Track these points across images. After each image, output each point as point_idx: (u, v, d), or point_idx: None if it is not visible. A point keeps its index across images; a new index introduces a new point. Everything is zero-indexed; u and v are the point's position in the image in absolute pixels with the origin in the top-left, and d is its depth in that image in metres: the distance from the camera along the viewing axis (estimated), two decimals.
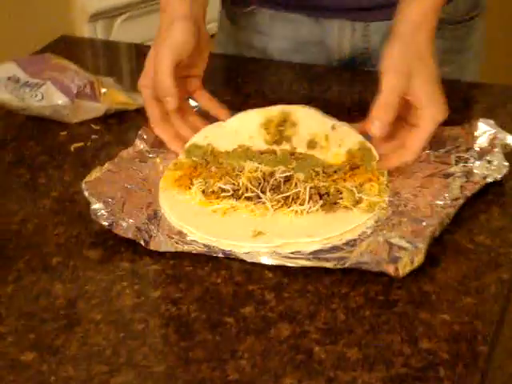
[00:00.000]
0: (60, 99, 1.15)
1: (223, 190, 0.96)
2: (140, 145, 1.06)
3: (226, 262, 0.90)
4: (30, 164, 1.09)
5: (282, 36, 1.31)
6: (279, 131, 1.05)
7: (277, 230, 0.92)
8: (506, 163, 1.01)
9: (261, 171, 0.97)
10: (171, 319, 0.84)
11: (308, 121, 1.05)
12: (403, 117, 0.99)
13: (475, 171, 1.00)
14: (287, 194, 0.95)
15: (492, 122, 1.05)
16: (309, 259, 0.88)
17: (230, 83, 1.31)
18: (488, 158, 1.01)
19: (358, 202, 0.94)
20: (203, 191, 0.97)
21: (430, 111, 0.97)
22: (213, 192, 0.96)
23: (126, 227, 0.92)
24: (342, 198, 0.95)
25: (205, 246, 0.91)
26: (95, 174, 0.98)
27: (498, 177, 1.00)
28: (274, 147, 1.04)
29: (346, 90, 1.28)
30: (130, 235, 0.91)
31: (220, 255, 0.90)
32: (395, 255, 0.87)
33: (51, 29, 1.64)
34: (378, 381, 0.75)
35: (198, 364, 0.77)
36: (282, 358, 0.78)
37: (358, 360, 0.77)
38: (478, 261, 0.90)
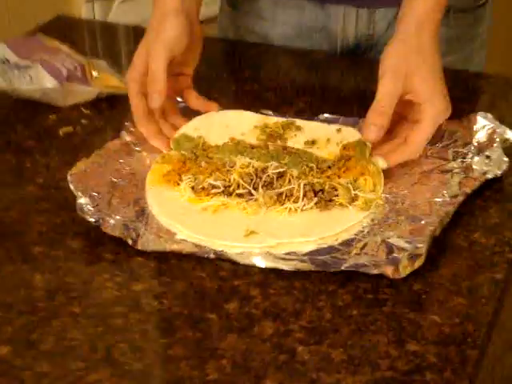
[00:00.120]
0: (49, 82, 1.12)
1: (214, 187, 0.92)
2: (126, 137, 1.03)
3: None
4: (17, 148, 1.06)
5: (284, 22, 1.29)
6: (278, 134, 1.02)
7: (270, 229, 0.88)
8: (506, 158, 0.98)
9: (253, 167, 0.94)
10: (152, 314, 0.81)
11: (313, 126, 1.03)
12: (404, 116, 0.97)
13: (474, 167, 0.97)
14: (280, 190, 0.91)
15: (491, 116, 1.02)
16: (304, 261, 0.85)
17: (227, 68, 1.28)
18: (487, 153, 0.98)
19: (353, 199, 0.91)
20: (193, 187, 0.93)
21: (431, 105, 0.95)
22: (203, 188, 0.92)
23: (113, 225, 0.89)
24: (337, 195, 0.91)
25: (195, 245, 0.87)
26: (80, 165, 0.95)
27: (498, 173, 0.97)
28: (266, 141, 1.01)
29: (344, 77, 1.25)
30: (117, 233, 0.88)
31: (211, 256, 0.87)
32: (394, 256, 0.84)
33: (48, 8, 1.61)
34: None
35: (177, 362, 0.75)
36: (264, 358, 0.75)
37: (343, 361, 0.75)
38: (472, 259, 0.87)
